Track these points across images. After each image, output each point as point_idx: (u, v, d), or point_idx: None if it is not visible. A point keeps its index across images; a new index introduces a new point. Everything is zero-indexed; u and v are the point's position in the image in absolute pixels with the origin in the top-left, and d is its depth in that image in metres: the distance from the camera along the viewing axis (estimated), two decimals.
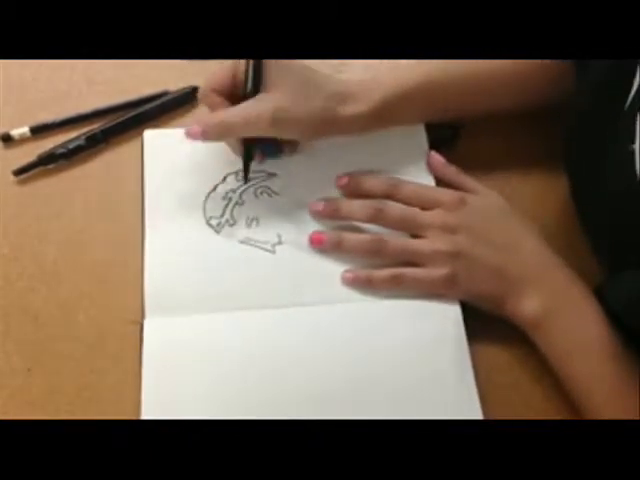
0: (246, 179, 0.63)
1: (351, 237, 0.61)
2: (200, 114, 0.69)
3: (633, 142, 0.53)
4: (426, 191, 0.63)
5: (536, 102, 0.65)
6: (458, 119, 0.67)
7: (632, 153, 0.53)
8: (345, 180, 0.64)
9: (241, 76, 0.60)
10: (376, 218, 0.61)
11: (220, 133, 0.60)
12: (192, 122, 0.67)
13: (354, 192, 0.63)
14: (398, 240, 0.61)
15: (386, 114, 0.62)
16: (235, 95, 0.61)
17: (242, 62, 0.60)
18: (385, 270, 0.60)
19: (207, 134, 0.59)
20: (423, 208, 0.61)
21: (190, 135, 0.60)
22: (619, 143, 0.55)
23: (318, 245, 0.61)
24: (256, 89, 0.60)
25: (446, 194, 0.62)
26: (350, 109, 0.61)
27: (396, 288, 0.60)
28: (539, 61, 0.63)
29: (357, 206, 0.62)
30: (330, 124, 0.61)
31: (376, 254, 0.60)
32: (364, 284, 0.60)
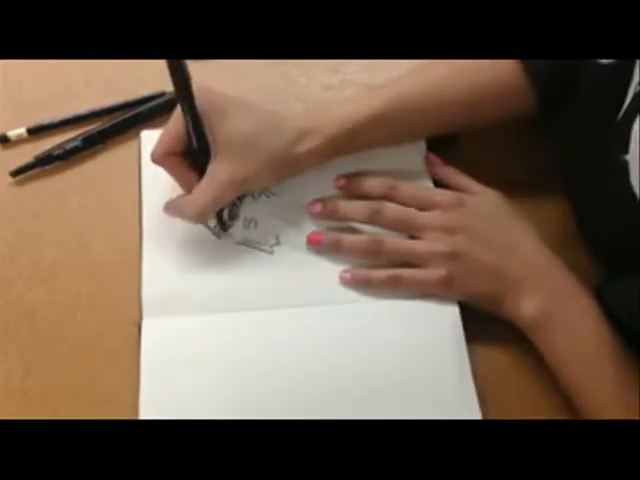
0: (224, 229, 0.63)
1: (349, 238, 0.61)
2: None
3: (626, 153, 0.54)
4: (424, 192, 0.63)
5: (493, 119, 0.64)
6: None
7: (625, 163, 0.54)
8: (343, 181, 0.64)
9: (184, 133, 0.58)
10: (374, 219, 0.61)
11: (197, 220, 0.60)
12: None
13: (352, 193, 0.63)
14: (396, 241, 0.61)
15: (343, 145, 0.61)
16: (187, 151, 0.59)
17: (180, 118, 0.57)
18: (383, 270, 0.60)
19: (188, 221, 0.60)
20: (421, 209, 0.61)
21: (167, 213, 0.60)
22: (612, 153, 0.55)
23: (316, 246, 0.61)
24: (204, 144, 0.58)
25: (444, 195, 0.62)
26: (305, 146, 0.60)
27: (394, 288, 0.60)
28: (493, 81, 0.63)
29: (355, 207, 0.62)
30: (293, 164, 0.60)
31: (374, 255, 0.61)
32: (362, 284, 0.60)
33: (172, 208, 0.60)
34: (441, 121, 0.64)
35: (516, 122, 0.65)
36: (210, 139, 0.58)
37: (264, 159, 0.58)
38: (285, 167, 0.60)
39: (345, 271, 0.61)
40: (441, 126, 0.65)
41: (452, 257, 0.59)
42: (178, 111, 0.57)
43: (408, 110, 0.62)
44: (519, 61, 0.61)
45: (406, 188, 0.63)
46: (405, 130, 0.64)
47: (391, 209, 0.61)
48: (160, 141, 0.59)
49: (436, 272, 0.59)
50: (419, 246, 0.60)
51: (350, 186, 0.63)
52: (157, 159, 0.59)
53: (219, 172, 0.58)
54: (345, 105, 0.62)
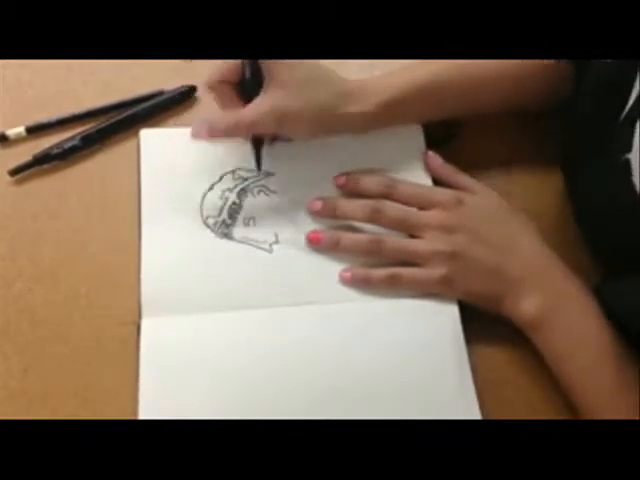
0: (259, 166, 0.63)
1: (348, 237, 0.61)
2: (196, 114, 0.69)
3: (629, 151, 0.54)
4: (424, 191, 0.63)
5: (535, 103, 0.66)
6: (455, 119, 0.67)
7: (627, 162, 0.54)
8: (343, 179, 0.63)
9: (240, 64, 0.61)
10: (374, 218, 0.61)
11: (226, 135, 0.62)
12: (188, 121, 0.68)
13: (352, 191, 0.63)
14: (395, 240, 0.61)
15: (388, 114, 0.62)
16: (239, 82, 0.62)
17: None
18: (382, 270, 0.60)
19: (214, 135, 0.62)
20: (421, 208, 0.61)
21: (195, 134, 0.62)
22: (615, 152, 0.55)
23: (316, 244, 0.61)
24: (257, 81, 0.60)
25: (443, 194, 0.62)
26: (353, 108, 0.61)
27: (394, 288, 0.60)
28: (539, 62, 0.63)
29: (355, 206, 0.62)
30: (333, 122, 0.61)
31: (374, 254, 0.60)
32: (361, 283, 0.60)
33: (209, 123, 0.62)
34: (478, 98, 0.65)
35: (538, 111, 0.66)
36: (265, 75, 0.59)
37: (308, 105, 0.60)
38: (324, 121, 0.61)
39: (345, 270, 0.61)
40: (476, 103, 0.65)
41: (452, 257, 0.59)
42: None
43: (453, 83, 0.63)
44: None
45: (406, 187, 0.62)
46: (449, 104, 0.65)
47: (391, 208, 0.61)
48: (217, 68, 0.61)
49: (436, 271, 0.59)
50: (419, 245, 0.60)
51: (350, 184, 0.63)
52: (212, 84, 0.61)
53: (263, 102, 0.59)
54: (391, 76, 0.63)
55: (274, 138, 0.65)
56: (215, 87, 0.61)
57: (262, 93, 0.60)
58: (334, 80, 0.61)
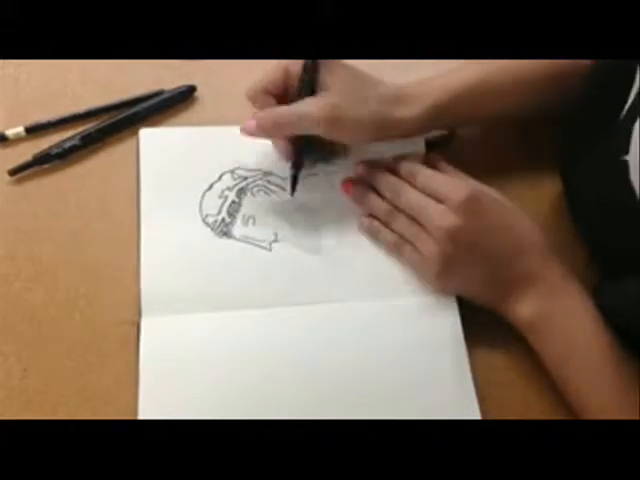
0: (293, 191, 0.63)
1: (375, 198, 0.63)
2: (195, 114, 0.69)
3: (627, 153, 0.54)
4: (437, 185, 0.60)
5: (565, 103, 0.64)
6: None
7: (625, 163, 0.54)
8: (361, 169, 0.64)
9: (294, 78, 0.60)
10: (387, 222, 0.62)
11: (274, 127, 0.60)
12: (188, 121, 0.68)
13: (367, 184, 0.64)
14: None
15: (437, 117, 0.62)
16: (285, 97, 0.61)
17: (293, 63, 0.60)
18: (392, 234, 0.62)
19: (261, 128, 0.60)
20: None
21: (245, 130, 0.61)
22: (613, 153, 0.55)
23: (345, 192, 0.64)
24: (312, 91, 0.60)
25: (455, 191, 0.59)
26: (403, 112, 0.61)
27: (395, 253, 0.62)
28: (574, 61, 0.63)
29: (375, 203, 0.63)
30: (383, 126, 0.61)
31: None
32: (372, 234, 0.63)
33: (255, 118, 0.60)
34: (524, 98, 0.65)
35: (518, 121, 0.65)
36: (319, 80, 0.60)
37: (358, 109, 0.59)
38: (378, 126, 0.61)
39: (362, 216, 0.63)
40: (522, 104, 0.65)
41: (451, 258, 0.58)
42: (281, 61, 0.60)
43: (500, 85, 0.63)
44: None
45: (423, 174, 0.61)
46: (496, 106, 0.64)
47: (401, 223, 0.61)
48: (262, 80, 0.60)
49: (433, 269, 0.59)
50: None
51: (366, 177, 0.64)
52: (254, 94, 0.61)
53: (315, 101, 0.59)
54: (442, 78, 0.63)
55: (315, 161, 0.65)
56: (257, 98, 0.61)
57: (317, 96, 0.60)
58: (382, 85, 0.61)
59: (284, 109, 0.59)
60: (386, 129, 0.61)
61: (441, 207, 0.58)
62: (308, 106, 0.59)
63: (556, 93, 0.64)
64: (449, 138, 0.66)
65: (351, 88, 0.60)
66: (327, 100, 0.59)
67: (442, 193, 0.59)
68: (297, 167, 0.63)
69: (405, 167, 0.62)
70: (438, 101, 0.61)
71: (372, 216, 0.63)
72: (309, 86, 0.60)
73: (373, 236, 0.63)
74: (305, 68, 0.60)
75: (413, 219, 0.60)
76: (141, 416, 0.53)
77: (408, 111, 0.61)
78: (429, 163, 0.64)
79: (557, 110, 0.64)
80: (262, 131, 0.60)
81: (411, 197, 0.60)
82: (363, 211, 0.64)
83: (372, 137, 0.61)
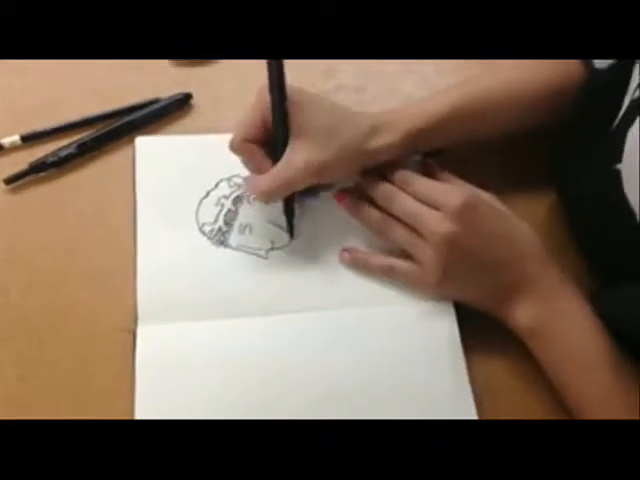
0: (292, 235, 0.63)
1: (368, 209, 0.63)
2: (191, 122, 0.70)
3: (619, 161, 0.54)
4: (433, 192, 0.60)
5: (556, 119, 0.65)
6: None
7: (618, 172, 0.54)
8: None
9: (270, 122, 0.60)
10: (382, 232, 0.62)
11: (267, 198, 0.61)
12: (184, 129, 0.69)
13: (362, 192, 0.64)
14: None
15: (412, 143, 0.62)
16: (266, 140, 0.61)
17: (267, 107, 0.59)
18: (382, 258, 0.61)
19: (257, 198, 0.62)
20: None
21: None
22: (606, 162, 0.55)
23: (339, 202, 0.64)
24: (285, 135, 0.59)
25: (451, 198, 0.59)
26: (378, 141, 0.61)
27: (388, 278, 0.61)
28: (557, 80, 0.64)
29: (370, 215, 0.63)
30: (365, 158, 0.61)
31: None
32: (359, 266, 0.62)
33: (249, 183, 0.62)
34: (514, 117, 0.65)
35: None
36: (293, 125, 0.59)
37: (339, 150, 0.59)
38: (359, 159, 0.61)
39: (345, 250, 0.62)
40: (515, 122, 0.65)
41: (448, 263, 0.58)
42: (256, 102, 0.60)
43: (479, 107, 0.63)
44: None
45: (418, 183, 0.61)
46: (477, 127, 0.65)
47: (396, 231, 0.61)
48: (239, 129, 0.60)
49: (431, 276, 0.58)
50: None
51: (360, 186, 0.64)
52: (236, 145, 0.60)
53: (296, 158, 0.59)
54: (418, 104, 0.63)
55: (302, 203, 0.65)
56: (240, 148, 0.61)
57: (290, 147, 0.59)
58: (356, 118, 0.61)
59: (268, 180, 0.59)
60: (368, 159, 0.61)
61: (437, 213, 0.58)
62: (286, 172, 0.59)
63: (538, 112, 0.65)
64: (438, 152, 0.66)
65: (326, 131, 0.59)
66: (303, 156, 0.58)
67: (438, 200, 0.58)
68: (290, 215, 0.63)
69: (400, 175, 0.62)
70: (412, 128, 0.61)
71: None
72: (283, 133, 0.59)
73: (362, 267, 0.62)
74: (275, 114, 0.59)
75: (408, 227, 0.60)
76: None
77: (382, 140, 0.61)
78: (425, 169, 0.64)
79: (542, 128, 0.65)
80: (261, 200, 0.62)
81: (406, 204, 0.60)
82: (358, 221, 0.63)
83: (353, 170, 0.62)
